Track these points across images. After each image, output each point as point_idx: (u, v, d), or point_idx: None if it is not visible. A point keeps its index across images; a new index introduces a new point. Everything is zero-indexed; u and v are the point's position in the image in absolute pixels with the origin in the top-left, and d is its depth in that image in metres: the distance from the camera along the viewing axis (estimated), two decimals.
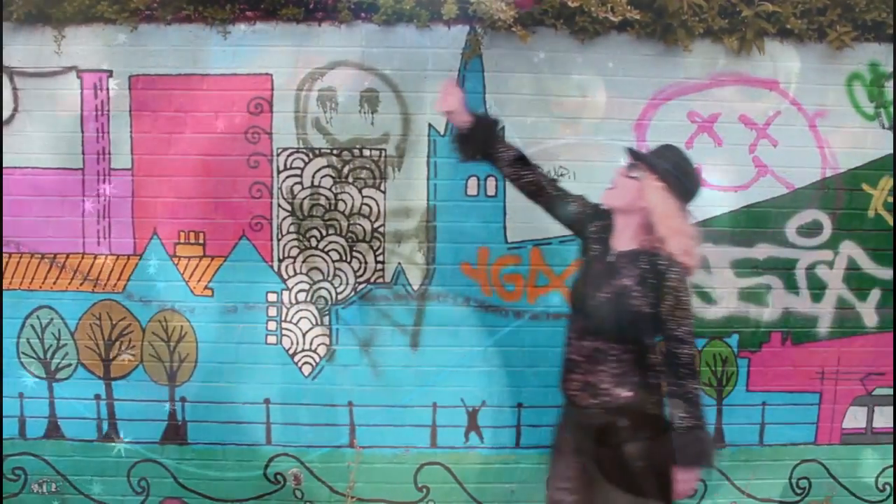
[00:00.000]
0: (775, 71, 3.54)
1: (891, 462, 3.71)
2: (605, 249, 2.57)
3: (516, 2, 3.06)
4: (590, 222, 2.67)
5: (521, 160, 2.79)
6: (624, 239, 2.54)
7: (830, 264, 3.65)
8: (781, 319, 3.66)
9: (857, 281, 3.66)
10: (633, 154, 2.58)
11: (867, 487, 3.75)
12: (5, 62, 3.43)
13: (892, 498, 3.76)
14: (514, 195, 3.50)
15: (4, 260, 3.52)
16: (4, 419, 3.56)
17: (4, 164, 3.47)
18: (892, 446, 3.69)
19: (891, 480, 3.75)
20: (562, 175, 3.53)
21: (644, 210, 2.48)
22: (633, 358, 2.47)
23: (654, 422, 2.48)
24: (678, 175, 2.49)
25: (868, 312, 3.67)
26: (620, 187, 2.55)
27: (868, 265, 3.65)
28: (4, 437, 3.56)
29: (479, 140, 2.80)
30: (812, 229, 3.62)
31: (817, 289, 3.65)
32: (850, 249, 3.64)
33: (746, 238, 3.61)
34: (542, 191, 2.77)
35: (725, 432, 3.69)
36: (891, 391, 3.70)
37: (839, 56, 3.52)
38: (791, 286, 3.65)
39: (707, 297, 3.62)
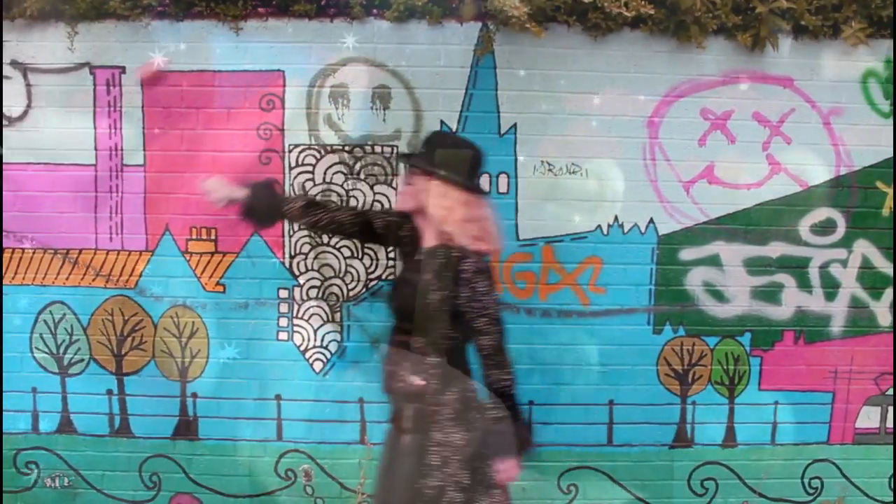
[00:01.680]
0: (789, 68, 3.52)
1: None
2: (415, 249, 2.67)
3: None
4: (399, 228, 2.76)
5: (311, 205, 2.80)
6: (428, 237, 2.63)
7: (844, 263, 3.62)
8: (794, 318, 3.64)
9: (871, 280, 3.63)
10: (405, 158, 2.67)
11: (880, 488, 3.72)
12: (19, 58, 3.44)
13: None
14: (525, 192, 3.52)
15: (18, 255, 3.53)
16: (18, 414, 3.59)
17: (18, 160, 3.48)
18: None
19: None
20: (573, 172, 3.52)
21: (446, 218, 2.56)
22: (435, 349, 2.53)
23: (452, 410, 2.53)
24: (447, 164, 2.56)
25: (882, 311, 3.65)
26: (402, 194, 2.69)
27: (882, 264, 3.63)
28: (18, 431, 3.59)
29: (265, 207, 2.79)
30: (826, 227, 3.60)
31: (831, 287, 3.63)
32: (864, 248, 3.62)
33: (759, 236, 3.59)
34: (343, 225, 2.81)
35: (737, 431, 3.68)
36: None
37: (854, 53, 3.50)
38: (804, 285, 3.63)
39: (720, 296, 3.61)
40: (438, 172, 2.56)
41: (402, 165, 3.43)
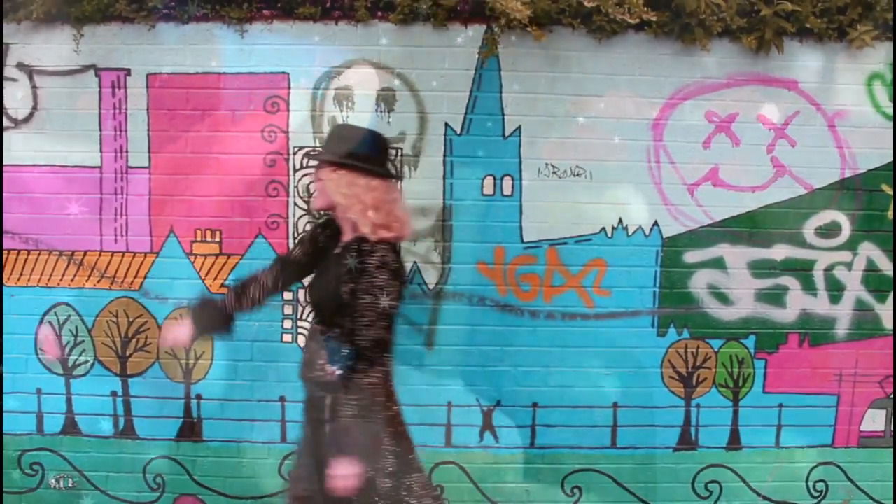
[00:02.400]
0: (794, 70, 3.51)
1: None
2: (335, 245, 2.70)
3: None
4: (319, 237, 2.77)
5: (241, 291, 2.75)
6: (346, 232, 2.65)
7: (849, 266, 3.62)
8: (799, 321, 3.63)
9: (877, 282, 3.62)
10: (310, 157, 2.69)
11: (886, 491, 3.71)
12: (25, 61, 3.45)
13: None
14: (530, 195, 3.52)
15: (23, 257, 3.54)
16: (23, 415, 3.60)
17: (24, 162, 3.49)
18: None
19: None
20: (578, 175, 3.52)
21: (352, 207, 2.57)
22: (349, 340, 2.52)
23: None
24: (350, 153, 2.57)
25: (887, 314, 3.64)
26: (316, 192, 2.70)
27: (887, 267, 3.62)
28: (23, 432, 3.60)
29: (212, 320, 2.74)
30: (830, 230, 3.60)
31: (835, 290, 3.62)
32: (869, 251, 3.61)
33: (764, 239, 3.58)
34: (278, 280, 2.79)
35: (742, 434, 3.67)
36: None
37: (859, 55, 3.49)
38: (809, 287, 3.62)
39: (724, 298, 3.60)
40: (342, 161, 2.57)
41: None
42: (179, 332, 2.72)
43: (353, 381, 2.45)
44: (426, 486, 2.69)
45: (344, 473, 2.38)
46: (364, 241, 2.53)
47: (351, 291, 2.49)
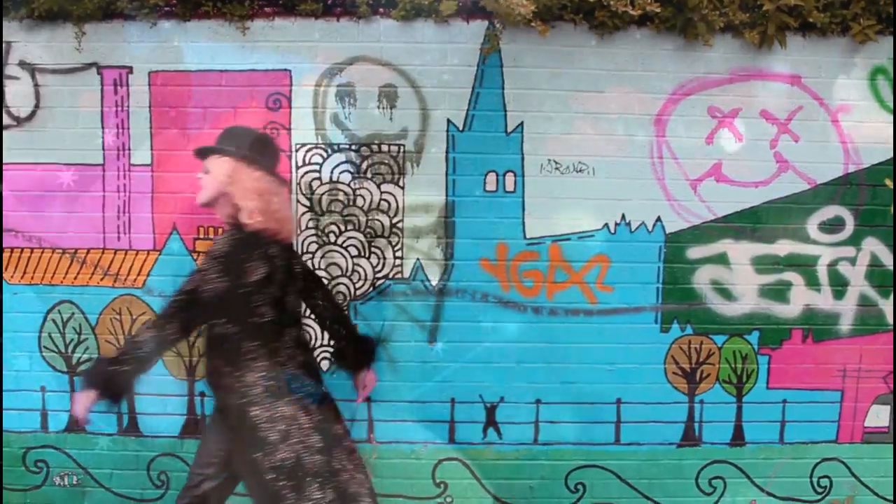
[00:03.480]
0: (797, 65, 3.50)
1: None
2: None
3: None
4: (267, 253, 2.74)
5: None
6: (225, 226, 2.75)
7: (853, 261, 3.61)
8: (803, 316, 3.62)
9: (880, 278, 3.61)
10: (197, 151, 2.80)
11: (890, 487, 3.70)
12: (27, 59, 3.45)
13: None
14: (533, 191, 3.51)
15: (26, 255, 3.55)
16: (27, 412, 3.60)
17: (26, 160, 3.50)
18: None
19: None
20: (580, 171, 3.52)
21: (224, 196, 2.67)
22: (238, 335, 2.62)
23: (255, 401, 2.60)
24: (236, 145, 2.69)
25: (891, 310, 3.62)
26: (201, 187, 2.75)
27: (891, 262, 3.61)
28: (27, 430, 3.61)
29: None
30: (834, 225, 3.59)
31: (839, 285, 3.62)
32: (872, 246, 3.60)
33: (767, 234, 3.57)
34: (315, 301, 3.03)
35: (745, 430, 3.66)
36: None
37: (862, 50, 3.48)
38: (812, 283, 3.61)
39: (727, 294, 3.60)
40: (226, 149, 2.70)
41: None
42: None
43: (232, 371, 2.57)
44: (353, 453, 2.78)
45: (79, 399, 2.52)
46: (226, 230, 2.65)
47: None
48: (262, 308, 2.64)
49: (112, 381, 2.55)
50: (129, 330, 3.58)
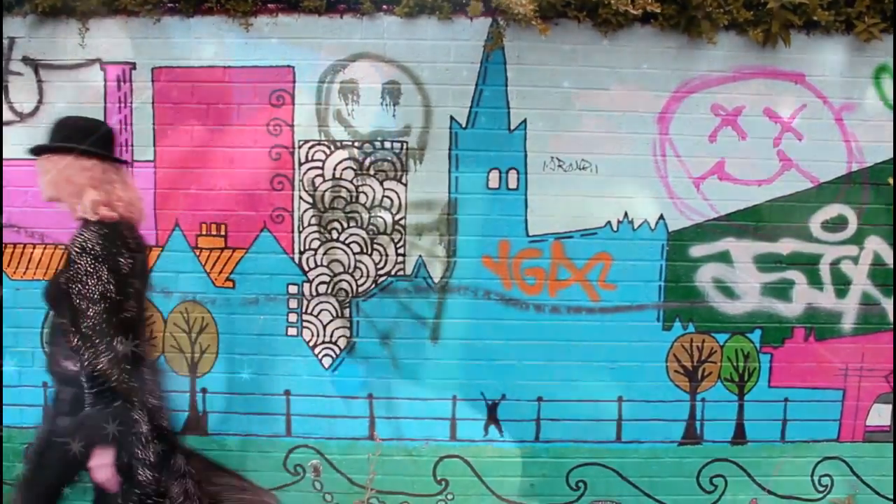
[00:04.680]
0: (801, 63, 3.50)
1: None
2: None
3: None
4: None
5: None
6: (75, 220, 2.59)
7: (855, 259, 3.60)
8: (805, 315, 3.62)
9: (883, 277, 3.61)
10: (31, 151, 2.63)
11: (891, 485, 3.70)
12: (30, 55, 3.45)
13: None
14: (535, 188, 3.51)
15: (29, 251, 3.55)
16: (30, 408, 3.60)
17: (28, 156, 3.48)
18: None
19: None
20: (583, 168, 3.52)
21: (64, 194, 2.54)
22: (72, 331, 2.47)
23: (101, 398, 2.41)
24: (60, 139, 2.54)
25: (893, 309, 3.62)
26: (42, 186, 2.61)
27: (894, 261, 3.60)
28: (30, 425, 3.61)
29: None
30: (837, 224, 3.58)
31: (842, 284, 3.61)
32: (875, 244, 3.60)
33: (770, 233, 3.57)
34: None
35: (747, 428, 3.66)
36: None
37: (867, 48, 3.48)
38: (815, 281, 3.61)
39: (730, 292, 3.60)
40: (56, 146, 2.54)
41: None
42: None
43: (85, 372, 2.38)
44: (190, 496, 2.60)
45: (98, 463, 2.38)
46: (83, 225, 2.50)
47: (66, 280, 2.43)
48: (127, 303, 2.52)
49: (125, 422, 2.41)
50: None
